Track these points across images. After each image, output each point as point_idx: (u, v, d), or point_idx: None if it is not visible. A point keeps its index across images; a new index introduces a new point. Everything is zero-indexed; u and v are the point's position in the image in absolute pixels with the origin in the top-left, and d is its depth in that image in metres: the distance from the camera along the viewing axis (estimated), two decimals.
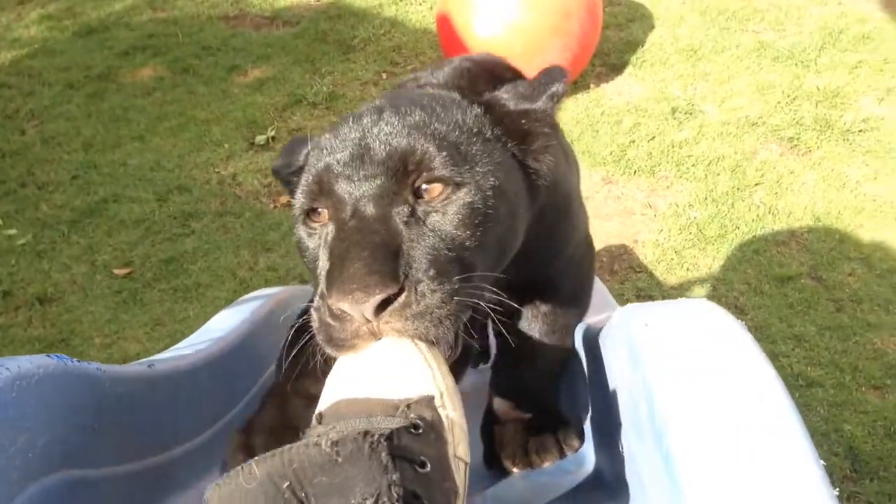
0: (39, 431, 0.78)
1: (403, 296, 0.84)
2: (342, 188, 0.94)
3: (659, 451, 0.65)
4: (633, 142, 4.10)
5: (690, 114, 4.25)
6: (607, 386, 0.97)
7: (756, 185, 3.77)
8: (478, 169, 0.96)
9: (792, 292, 3.22)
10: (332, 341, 0.87)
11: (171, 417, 1.09)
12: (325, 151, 0.99)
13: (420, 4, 5.42)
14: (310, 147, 1.08)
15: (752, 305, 3.19)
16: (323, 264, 0.92)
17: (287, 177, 1.14)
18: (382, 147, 0.94)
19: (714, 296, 3.25)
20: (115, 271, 3.55)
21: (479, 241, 0.93)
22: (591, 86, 4.55)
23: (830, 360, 2.90)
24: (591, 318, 1.35)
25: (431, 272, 0.86)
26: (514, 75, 1.31)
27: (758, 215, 3.60)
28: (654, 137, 4.12)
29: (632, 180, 3.90)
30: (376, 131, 0.96)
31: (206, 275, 3.51)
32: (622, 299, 3.25)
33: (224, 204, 3.93)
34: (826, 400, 2.77)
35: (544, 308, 1.28)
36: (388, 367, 0.82)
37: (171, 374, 1.10)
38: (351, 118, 1.02)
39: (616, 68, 4.70)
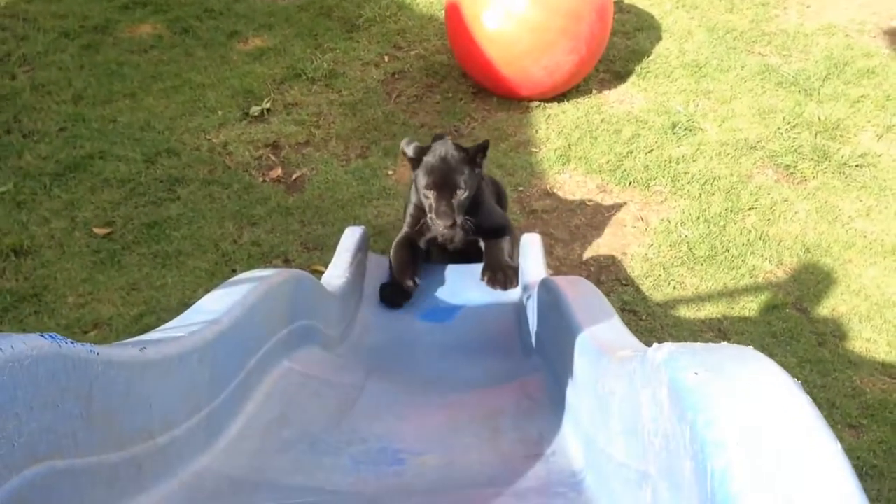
0: (28, 418, 0.73)
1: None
2: (439, 188, 2.68)
3: None
4: (631, 152, 4.07)
5: (690, 130, 4.23)
6: (621, 418, 0.94)
7: (749, 209, 3.76)
8: (470, 183, 2.70)
9: (776, 321, 3.22)
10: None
11: (158, 403, 1.04)
12: (426, 171, 2.70)
13: None
14: (414, 147, 2.77)
15: (735, 331, 3.18)
16: (429, 206, 2.71)
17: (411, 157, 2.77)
18: (448, 178, 2.67)
19: (698, 318, 3.23)
20: (95, 230, 3.47)
21: (468, 201, 2.72)
22: (594, 91, 4.51)
23: (809, 395, 2.89)
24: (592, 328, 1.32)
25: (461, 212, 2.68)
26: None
27: (748, 240, 3.59)
28: (651, 150, 4.10)
29: (626, 191, 3.87)
30: (444, 166, 2.68)
31: (188, 243, 3.44)
32: None
33: (212, 172, 3.86)
34: None
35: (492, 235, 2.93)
36: None
37: (163, 359, 1.04)
38: (434, 156, 2.71)
39: (620, 76, 4.67)
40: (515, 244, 2.96)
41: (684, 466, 0.69)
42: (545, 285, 1.92)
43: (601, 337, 1.22)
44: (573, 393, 1.35)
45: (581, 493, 1.10)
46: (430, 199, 2.68)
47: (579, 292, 1.57)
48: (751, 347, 0.83)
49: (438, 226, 2.70)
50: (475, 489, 1.19)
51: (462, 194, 2.67)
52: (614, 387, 0.98)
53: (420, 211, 2.84)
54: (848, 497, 0.58)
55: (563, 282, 1.71)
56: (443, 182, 2.65)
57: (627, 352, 0.99)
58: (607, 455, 1.02)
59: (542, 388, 1.63)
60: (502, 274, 2.82)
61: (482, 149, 2.73)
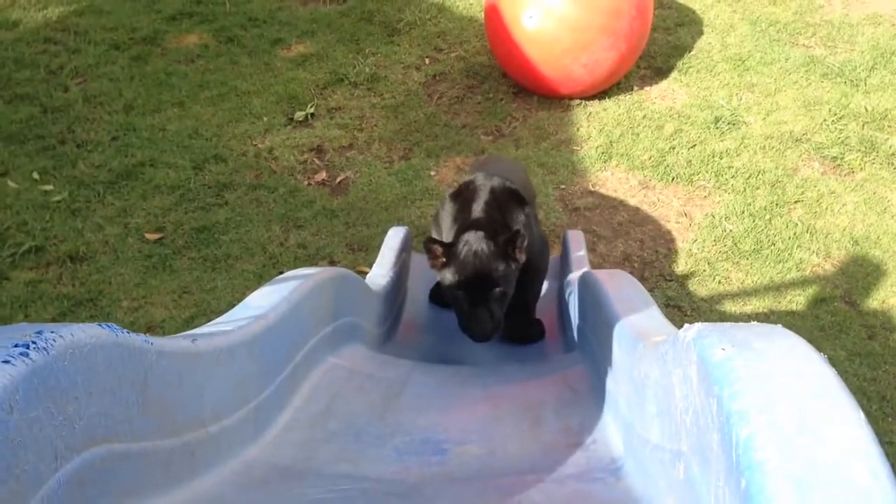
0: (87, 403, 0.77)
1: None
2: (472, 289, 2.26)
3: (733, 486, 0.64)
4: (674, 148, 4.06)
5: (734, 124, 4.20)
6: (655, 401, 0.96)
7: (796, 202, 3.72)
8: (507, 280, 2.27)
9: (824, 315, 3.18)
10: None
11: (209, 394, 1.08)
12: (457, 269, 2.26)
13: None
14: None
15: (782, 324, 3.12)
16: (460, 310, 2.30)
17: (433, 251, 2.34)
18: (482, 278, 2.23)
19: (744, 312, 3.21)
20: (147, 235, 3.57)
21: (507, 299, 2.31)
22: (635, 88, 4.50)
23: (859, 388, 2.86)
24: (632, 317, 1.34)
25: (498, 319, 2.29)
26: (517, 199, 2.50)
27: (795, 233, 3.55)
28: (694, 145, 4.08)
29: (669, 187, 3.86)
30: (478, 265, 2.24)
31: (237, 246, 3.52)
32: None
33: (259, 177, 3.94)
34: None
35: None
36: None
37: (213, 351, 1.09)
38: (464, 252, 2.25)
39: (661, 72, 4.65)
40: (539, 288, 2.74)
41: (712, 439, 0.71)
42: (585, 279, 1.94)
43: (637, 324, 1.24)
44: (612, 381, 1.37)
45: (620, 478, 1.12)
46: (461, 302, 2.27)
47: (618, 284, 1.59)
48: (779, 325, 0.84)
49: (474, 336, 2.27)
50: (516, 476, 1.22)
51: (499, 294, 2.25)
52: (649, 371, 1.00)
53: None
54: (869, 461, 0.60)
55: (602, 275, 1.72)
56: (476, 282, 2.24)
57: (661, 337, 1.01)
58: (644, 439, 1.04)
59: (584, 379, 1.65)
60: (522, 330, 2.63)
61: (513, 240, 2.25)
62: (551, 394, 1.61)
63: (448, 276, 2.29)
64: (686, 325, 0.85)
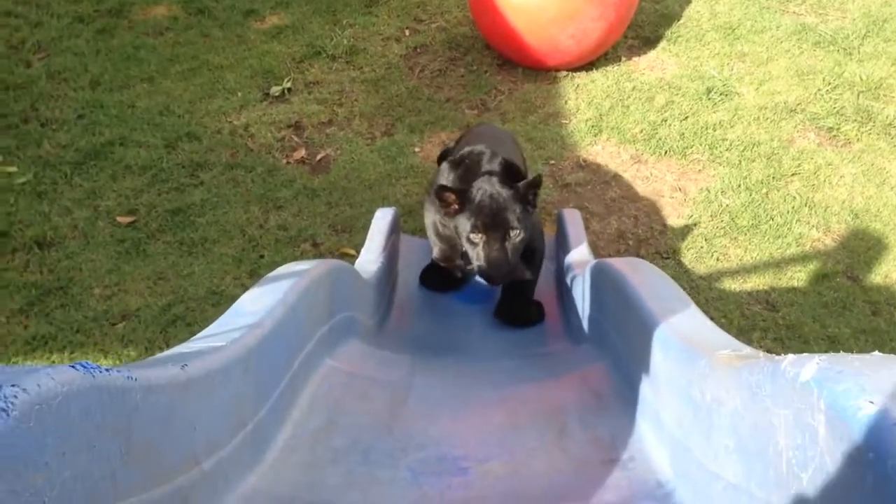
0: (59, 467, 0.62)
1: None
2: (489, 230, 2.20)
3: None
4: (666, 120, 3.92)
5: (726, 95, 4.07)
6: (734, 434, 0.82)
7: (792, 174, 3.60)
8: (524, 224, 2.21)
9: (827, 291, 3.08)
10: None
11: (203, 425, 0.93)
12: (473, 212, 2.22)
13: None
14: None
15: (784, 302, 3.05)
16: (477, 253, 2.22)
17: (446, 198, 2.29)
18: (499, 219, 2.19)
19: (745, 290, 3.10)
20: (119, 219, 3.38)
21: (522, 245, 2.26)
22: (623, 59, 4.35)
23: None
24: (672, 319, 1.19)
25: (514, 262, 2.22)
26: (517, 171, 2.44)
27: (793, 207, 3.44)
28: (687, 117, 3.94)
29: (662, 161, 3.72)
30: (493, 204, 2.21)
31: (214, 229, 3.34)
32: None
33: (235, 156, 3.75)
34: None
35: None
36: None
37: (206, 375, 0.94)
38: (480, 195, 2.23)
39: (649, 42, 4.50)
40: (539, 267, 2.60)
41: None
42: (601, 269, 1.79)
43: (683, 330, 1.10)
44: (651, 392, 1.23)
45: (635, 460, 0.99)
46: (477, 245, 2.21)
47: (644, 278, 1.44)
48: None
49: (491, 277, 2.23)
50: (548, 502, 1.08)
51: (517, 236, 2.20)
52: (722, 397, 0.86)
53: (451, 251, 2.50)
54: None
55: (622, 265, 1.58)
56: (494, 223, 2.19)
57: (727, 353, 0.87)
58: (710, 472, 0.91)
59: (606, 381, 1.51)
60: (521, 312, 2.52)
61: (535, 185, 2.25)
62: (572, 397, 1.47)
63: (463, 221, 2.25)
64: (791, 357, 0.70)
